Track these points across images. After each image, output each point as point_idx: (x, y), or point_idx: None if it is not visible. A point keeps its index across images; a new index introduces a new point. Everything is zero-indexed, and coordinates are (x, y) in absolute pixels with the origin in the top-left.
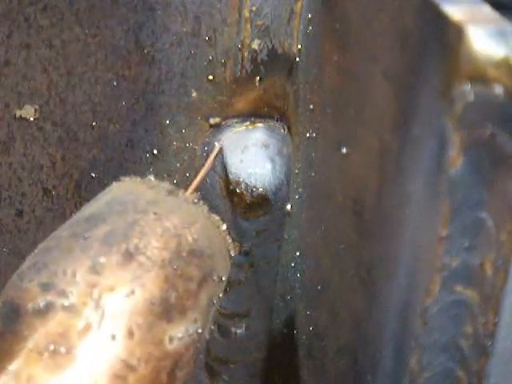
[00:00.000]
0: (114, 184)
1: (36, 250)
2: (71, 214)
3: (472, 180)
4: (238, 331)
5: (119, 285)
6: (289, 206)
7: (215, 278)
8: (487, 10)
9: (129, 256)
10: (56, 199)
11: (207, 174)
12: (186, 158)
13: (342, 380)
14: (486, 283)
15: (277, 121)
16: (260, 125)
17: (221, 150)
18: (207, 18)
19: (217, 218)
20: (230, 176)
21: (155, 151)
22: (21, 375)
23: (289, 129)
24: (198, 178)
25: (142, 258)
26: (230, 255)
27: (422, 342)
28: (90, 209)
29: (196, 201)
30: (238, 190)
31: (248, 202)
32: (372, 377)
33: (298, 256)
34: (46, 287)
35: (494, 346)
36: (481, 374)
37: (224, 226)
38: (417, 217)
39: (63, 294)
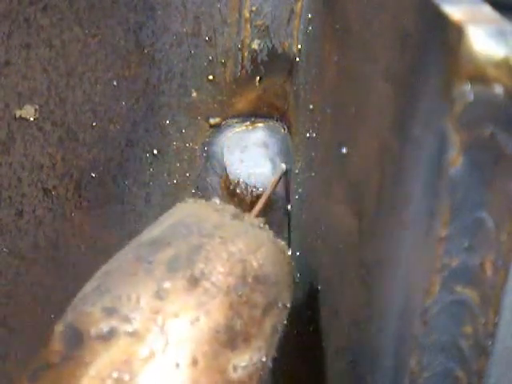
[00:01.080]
0: (178, 205)
1: (97, 273)
2: (71, 214)
3: (472, 180)
4: None
5: (184, 311)
6: (289, 206)
7: (280, 305)
8: (487, 10)
9: (194, 281)
10: (56, 199)
11: (207, 170)
12: (185, 158)
13: (342, 380)
14: (486, 283)
15: (277, 121)
16: (260, 125)
17: (286, 172)
18: (207, 18)
19: (282, 243)
20: (230, 176)
21: (155, 151)
22: None
23: (289, 129)
24: (262, 200)
25: (207, 284)
26: (294, 281)
27: (421, 342)
28: (153, 231)
29: (261, 225)
30: (238, 190)
31: (248, 202)
32: (372, 377)
33: (298, 256)
34: (109, 312)
35: (494, 346)
36: (481, 374)
37: (289, 252)
38: (417, 217)
39: (127, 319)
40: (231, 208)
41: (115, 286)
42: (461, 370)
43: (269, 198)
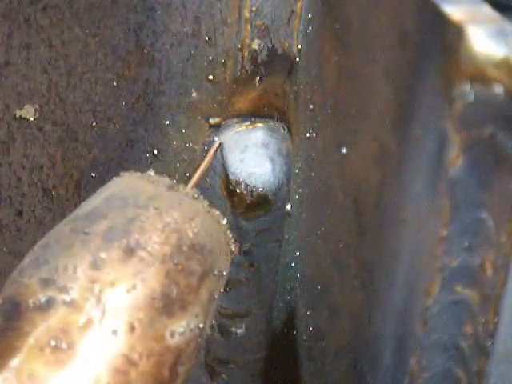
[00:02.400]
0: (114, 179)
1: (35, 246)
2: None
3: (472, 180)
4: (238, 331)
5: (120, 280)
6: (289, 206)
7: (216, 272)
8: (487, 10)
9: (129, 251)
10: (56, 199)
11: (207, 170)
12: (185, 157)
13: (342, 380)
14: (486, 283)
15: (277, 121)
16: (260, 125)
17: (220, 146)
18: (207, 18)
19: (217, 212)
20: (230, 176)
21: (155, 151)
22: (22, 371)
23: (289, 129)
24: (198, 172)
25: (142, 253)
26: (230, 250)
27: (421, 342)
28: (89, 204)
29: (196, 195)
30: (238, 190)
31: (248, 201)
32: (372, 377)
33: (298, 256)
34: (46, 283)
35: (493, 346)
36: (481, 374)
37: (224, 221)
38: (417, 217)
39: (64, 289)
40: (166, 180)
41: (52, 257)
42: (461, 369)
43: (203, 171)
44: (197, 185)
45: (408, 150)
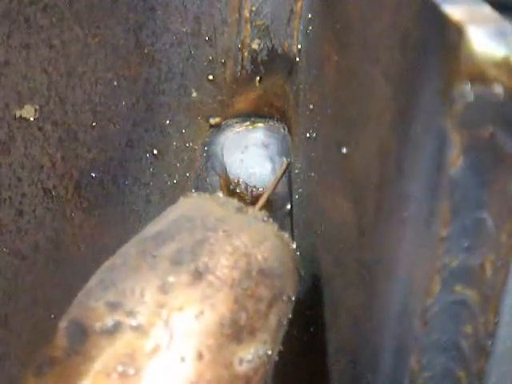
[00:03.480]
0: (181, 199)
1: (101, 268)
2: (71, 214)
3: (472, 180)
4: None
5: (188, 305)
6: (289, 206)
7: (285, 298)
8: (487, 9)
9: (198, 275)
10: (56, 199)
11: (207, 170)
12: (185, 157)
13: (342, 380)
14: (486, 283)
15: (277, 121)
16: (260, 125)
17: (288, 165)
18: (207, 18)
19: (286, 235)
20: (230, 176)
21: (155, 151)
22: None
23: (289, 129)
24: (266, 194)
25: (211, 278)
26: (299, 274)
27: (421, 342)
28: (157, 225)
29: (265, 218)
30: (238, 190)
31: (248, 201)
32: (372, 377)
33: (298, 256)
34: (113, 306)
35: (494, 346)
36: (481, 374)
37: (294, 245)
38: (417, 217)
39: (131, 313)
40: (235, 202)
41: (119, 280)
42: (461, 369)
43: (272, 192)
44: (265, 207)
45: (408, 149)
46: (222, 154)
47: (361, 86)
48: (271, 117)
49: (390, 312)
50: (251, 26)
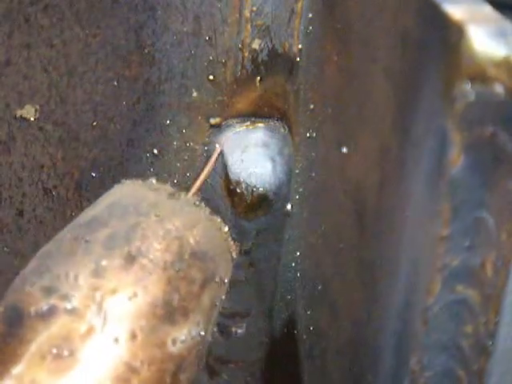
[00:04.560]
0: (115, 186)
1: (37, 254)
2: (72, 214)
3: (472, 180)
4: (239, 331)
5: (122, 288)
6: (289, 206)
7: (218, 280)
8: (487, 9)
9: (131, 259)
10: (56, 199)
11: (208, 176)
12: (186, 157)
13: (342, 380)
14: (486, 283)
15: (277, 121)
16: (260, 125)
17: (221, 152)
18: (207, 18)
19: (219, 219)
20: (231, 176)
21: (155, 151)
22: (24, 379)
23: (289, 129)
24: (199, 180)
25: (144, 261)
26: (232, 257)
27: (422, 342)
28: (91, 212)
29: (197, 203)
30: (238, 190)
31: (248, 201)
32: (372, 377)
33: (298, 256)
34: (48, 291)
35: (494, 346)
36: (481, 374)
37: (226, 228)
38: (417, 217)
39: (66, 297)
40: (167, 187)
41: (54, 265)
42: (461, 369)
43: (205, 178)
44: (198, 192)
45: (408, 149)
46: (223, 154)
47: (361, 85)
48: (271, 117)
49: (391, 312)
50: (252, 26)
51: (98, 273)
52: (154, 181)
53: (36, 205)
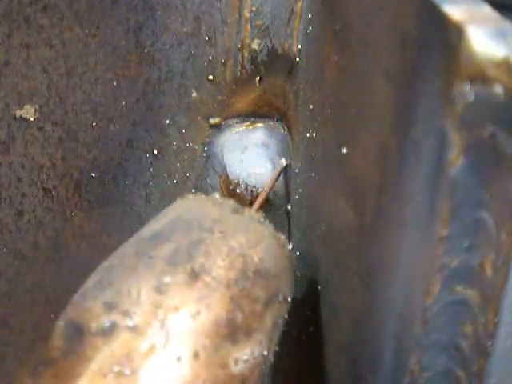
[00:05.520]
0: (178, 201)
1: (99, 268)
2: (71, 214)
3: (472, 180)
4: None
5: (184, 305)
6: (289, 206)
7: (281, 299)
8: (487, 9)
9: (194, 276)
10: (56, 199)
11: (208, 170)
12: (186, 157)
13: (342, 380)
14: (486, 283)
15: (277, 121)
16: (260, 125)
17: (286, 168)
18: (207, 18)
19: (282, 237)
20: (230, 176)
21: (155, 151)
22: None
23: (289, 129)
24: (263, 195)
25: (207, 278)
26: (294, 275)
27: (421, 342)
28: (154, 226)
29: (262, 219)
30: (238, 190)
31: (248, 202)
32: (372, 377)
33: (298, 256)
34: (110, 306)
35: (494, 346)
36: (481, 374)
37: (290, 246)
38: (417, 217)
39: (127, 313)
40: (231, 202)
41: (115, 280)
42: (461, 369)
43: (268, 193)
44: (261, 208)
45: (408, 150)
46: (222, 154)
47: (361, 86)
48: (271, 117)
49: (390, 312)
50: (251, 26)
51: (160, 289)
52: (217, 195)
53: (35, 205)
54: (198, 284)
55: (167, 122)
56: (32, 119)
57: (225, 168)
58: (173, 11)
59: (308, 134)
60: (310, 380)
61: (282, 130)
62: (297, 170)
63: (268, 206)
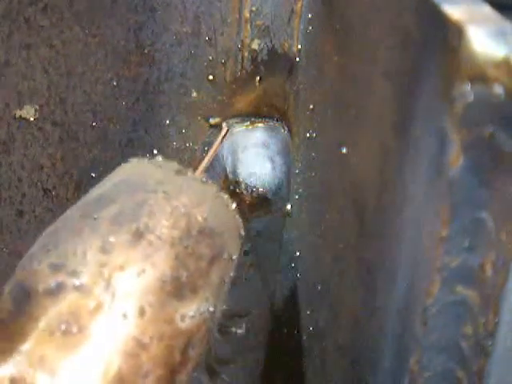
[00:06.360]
0: (122, 165)
1: (44, 233)
2: None
3: (472, 180)
4: (238, 331)
5: (129, 264)
6: (289, 206)
7: (226, 256)
8: (487, 9)
9: (138, 235)
10: (56, 199)
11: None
12: (185, 157)
13: (342, 380)
14: (486, 283)
15: (277, 121)
16: (260, 125)
17: (228, 131)
18: (207, 18)
19: (226, 196)
20: (230, 176)
21: (155, 151)
22: (33, 355)
23: (289, 129)
24: (207, 158)
25: (151, 237)
26: (240, 234)
27: (421, 342)
28: (98, 190)
29: (205, 180)
30: (237, 190)
31: (248, 202)
32: (372, 377)
33: (298, 256)
34: (56, 268)
35: (494, 346)
36: (481, 374)
37: (234, 205)
38: (417, 217)
39: (74, 273)
40: (174, 164)
41: (61, 243)
42: (461, 369)
43: (211, 157)
44: (205, 170)
45: (408, 150)
46: (222, 154)
47: (361, 85)
48: (271, 117)
49: (390, 312)
50: (251, 26)
51: (105, 249)
52: (160, 158)
53: (35, 205)
54: (142, 243)
55: (167, 122)
56: (32, 119)
57: (225, 168)
58: (173, 11)
59: (308, 134)
60: (310, 380)
61: (282, 130)
62: (297, 170)
63: (268, 206)
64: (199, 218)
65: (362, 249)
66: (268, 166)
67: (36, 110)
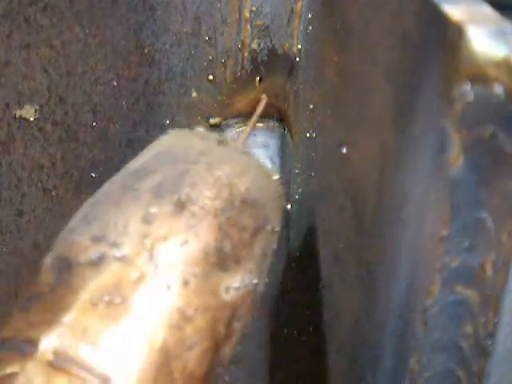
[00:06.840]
0: (163, 136)
1: (85, 205)
2: (71, 214)
3: (472, 180)
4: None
5: (172, 234)
6: (289, 206)
7: (269, 228)
8: (487, 9)
9: (181, 206)
10: (56, 199)
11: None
12: None
13: (342, 380)
14: (486, 283)
15: (277, 121)
16: (260, 125)
17: (266, 102)
18: (207, 18)
19: (269, 167)
20: None
21: None
22: (76, 327)
23: (289, 129)
24: (248, 128)
25: (194, 208)
26: (283, 206)
27: (421, 342)
28: (139, 161)
29: (247, 150)
30: None
31: None
32: (372, 377)
33: (298, 256)
34: (97, 239)
35: (494, 346)
36: (481, 374)
37: (277, 176)
38: (417, 217)
39: (115, 245)
40: (216, 135)
41: (102, 214)
42: (461, 369)
43: (252, 127)
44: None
45: (408, 150)
46: None
47: (361, 86)
48: (271, 117)
49: (390, 312)
50: (251, 26)
51: (147, 220)
52: (201, 129)
53: (35, 205)
54: (185, 213)
55: (167, 122)
56: (32, 119)
57: None
58: (173, 11)
59: (308, 134)
60: (310, 380)
61: (282, 130)
62: (297, 170)
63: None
64: (242, 189)
65: (362, 249)
66: (268, 166)
67: (36, 110)
